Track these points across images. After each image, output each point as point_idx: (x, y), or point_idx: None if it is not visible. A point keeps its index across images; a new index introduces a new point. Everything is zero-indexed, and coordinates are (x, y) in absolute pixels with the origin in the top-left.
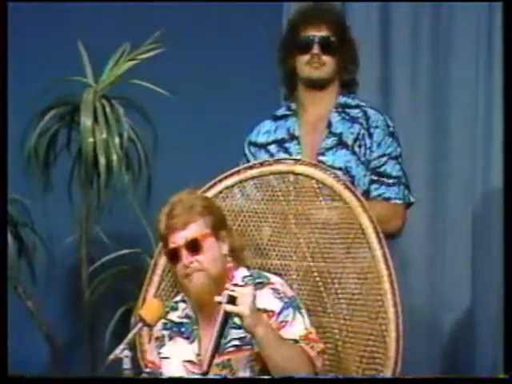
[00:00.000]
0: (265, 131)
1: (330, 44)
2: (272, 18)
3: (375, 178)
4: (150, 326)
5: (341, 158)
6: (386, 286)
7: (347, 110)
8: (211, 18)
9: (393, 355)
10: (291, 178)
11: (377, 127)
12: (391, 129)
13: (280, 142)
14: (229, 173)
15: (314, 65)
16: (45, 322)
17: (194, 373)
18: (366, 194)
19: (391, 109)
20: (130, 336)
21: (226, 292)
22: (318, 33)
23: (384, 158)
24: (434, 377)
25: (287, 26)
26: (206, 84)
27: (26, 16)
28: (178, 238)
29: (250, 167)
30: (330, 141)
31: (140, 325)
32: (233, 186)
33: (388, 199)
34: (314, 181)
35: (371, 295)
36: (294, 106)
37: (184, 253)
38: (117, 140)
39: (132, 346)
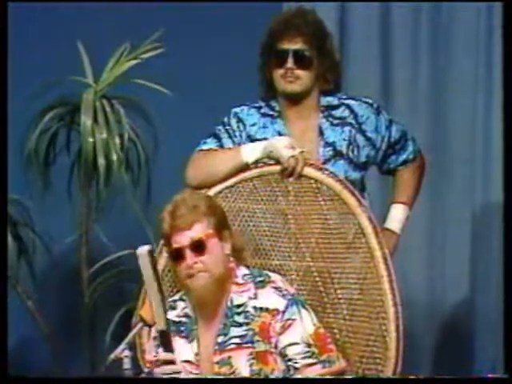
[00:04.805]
0: (253, 122)
1: (304, 58)
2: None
3: (391, 150)
4: (151, 326)
5: (340, 168)
6: (386, 286)
7: (332, 112)
8: (211, 18)
9: (393, 355)
10: (290, 178)
11: (367, 118)
12: (375, 106)
13: None
14: None
15: (288, 79)
16: (45, 322)
17: (192, 373)
18: (387, 171)
19: (391, 109)
20: (130, 336)
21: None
22: (292, 46)
23: (386, 133)
24: (434, 377)
25: (266, 34)
26: (207, 84)
27: (26, 16)
28: (182, 238)
29: (249, 168)
30: (326, 151)
31: (140, 325)
32: (232, 186)
33: (406, 161)
34: (313, 181)
35: (371, 295)
36: (276, 106)
37: (188, 253)
38: (117, 140)
39: (132, 346)
